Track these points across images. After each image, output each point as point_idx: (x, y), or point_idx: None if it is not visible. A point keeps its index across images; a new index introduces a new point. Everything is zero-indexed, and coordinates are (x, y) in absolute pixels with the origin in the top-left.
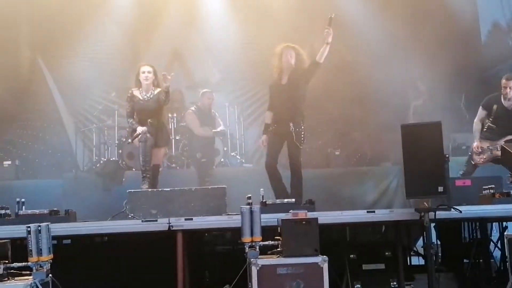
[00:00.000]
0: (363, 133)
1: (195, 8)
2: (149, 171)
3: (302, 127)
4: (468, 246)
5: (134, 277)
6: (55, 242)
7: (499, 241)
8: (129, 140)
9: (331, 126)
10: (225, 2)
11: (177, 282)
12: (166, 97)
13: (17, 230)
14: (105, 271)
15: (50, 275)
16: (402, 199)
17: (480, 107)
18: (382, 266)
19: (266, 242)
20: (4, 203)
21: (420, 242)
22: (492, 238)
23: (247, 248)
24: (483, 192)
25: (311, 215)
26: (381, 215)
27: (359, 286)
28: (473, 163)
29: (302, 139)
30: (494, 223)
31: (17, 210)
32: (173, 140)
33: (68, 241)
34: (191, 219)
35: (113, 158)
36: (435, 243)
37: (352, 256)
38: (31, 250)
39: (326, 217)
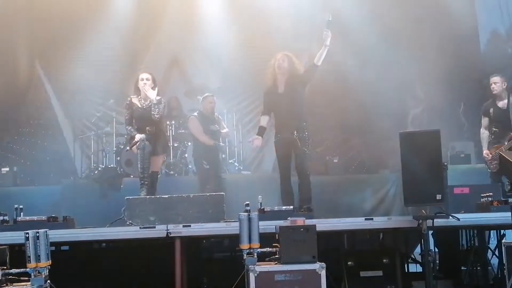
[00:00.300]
0: (361, 140)
1: (194, 15)
2: (148, 178)
3: (306, 133)
4: (465, 254)
5: (132, 283)
6: (53, 248)
7: (497, 249)
8: (127, 148)
9: (329, 134)
10: (224, 8)
11: None
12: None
13: (16, 237)
14: (103, 278)
15: (48, 281)
16: (400, 207)
17: (482, 115)
18: (380, 273)
19: (264, 249)
20: (2, 210)
21: (418, 250)
22: (489, 245)
23: (245, 255)
24: (481, 200)
25: (309, 222)
26: (379, 222)
27: None
28: (489, 171)
29: (308, 144)
30: (492, 231)
31: (15, 217)
32: (171, 147)
33: (66, 247)
34: (189, 226)
35: (111, 165)
36: (433, 250)
37: (350, 263)
38: (29, 257)
39: (324, 224)
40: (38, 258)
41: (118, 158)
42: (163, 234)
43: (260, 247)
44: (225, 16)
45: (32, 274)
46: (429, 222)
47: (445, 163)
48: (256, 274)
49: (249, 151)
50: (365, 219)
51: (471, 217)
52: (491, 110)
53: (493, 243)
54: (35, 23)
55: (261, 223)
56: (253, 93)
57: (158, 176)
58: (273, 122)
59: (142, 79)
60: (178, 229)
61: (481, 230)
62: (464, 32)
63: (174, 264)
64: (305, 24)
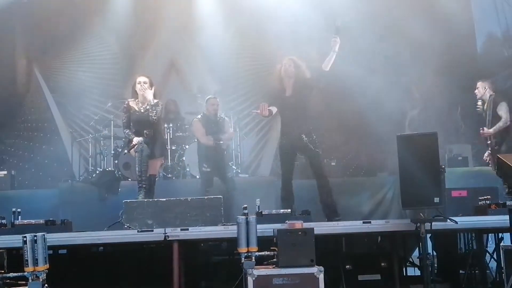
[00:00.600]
0: (359, 143)
1: (191, 18)
2: (145, 181)
3: (314, 136)
4: (464, 257)
5: (130, 287)
6: (51, 252)
7: (495, 252)
8: (125, 151)
9: (327, 137)
10: (221, 12)
11: None
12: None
13: (13, 240)
14: (100, 281)
15: (46, 285)
16: (398, 210)
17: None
18: (377, 276)
19: (262, 253)
20: (0, 213)
21: (416, 253)
22: (488, 249)
23: (243, 259)
24: (479, 203)
25: (307, 225)
26: (377, 225)
27: None
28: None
29: (318, 144)
30: (490, 234)
31: (13, 220)
32: (169, 150)
33: (64, 251)
34: (187, 229)
35: (109, 168)
36: (431, 253)
37: (348, 266)
38: (27, 260)
39: (322, 227)
40: (35, 262)
41: (116, 161)
42: (161, 237)
43: (258, 251)
44: (223, 20)
45: (30, 278)
46: (427, 225)
47: (443, 166)
48: (254, 278)
49: (247, 154)
50: (363, 222)
51: (469, 220)
52: (484, 114)
53: (491, 247)
54: (33, 27)
55: (259, 226)
56: (250, 96)
57: (156, 179)
58: (275, 126)
59: (140, 82)
60: (176, 233)
61: (479, 233)
62: (461, 34)
63: (172, 268)
64: (302, 27)
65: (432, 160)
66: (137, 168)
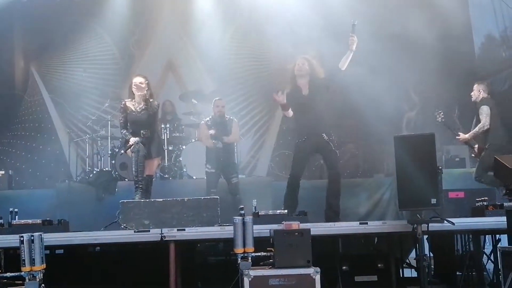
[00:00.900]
0: (356, 144)
1: (189, 19)
2: (142, 181)
3: (333, 136)
4: (461, 258)
5: (126, 287)
6: (48, 252)
7: (492, 254)
8: (122, 151)
9: None
10: (220, 12)
11: None
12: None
13: (10, 240)
14: (97, 281)
15: (43, 285)
16: (395, 211)
17: None
18: (374, 278)
19: (259, 253)
20: None
21: (412, 254)
22: (485, 250)
23: (239, 259)
24: (476, 204)
25: (303, 226)
26: (373, 226)
27: None
28: None
29: (336, 144)
30: (487, 236)
31: (10, 220)
32: (166, 151)
33: (61, 251)
34: (184, 229)
35: (106, 169)
36: (428, 255)
37: (344, 267)
38: (24, 260)
39: (318, 228)
40: (32, 262)
41: (113, 161)
42: (157, 238)
43: (255, 251)
44: (222, 20)
45: (27, 277)
46: (424, 227)
47: (440, 167)
48: (250, 279)
49: (244, 155)
50: (360, 223)
51: (466, 221)
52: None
53: (488, 248)
54: (31, 27)
55: (255, 227)
56: (248, 96)
57: (153, 179)
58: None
59: (136, 83)
60: (172, 233)
61: (476, 234)
62: (458, 35)
63: (169, 268)
64: (302, 27)
65: (429, 161)
66: (133, 168)
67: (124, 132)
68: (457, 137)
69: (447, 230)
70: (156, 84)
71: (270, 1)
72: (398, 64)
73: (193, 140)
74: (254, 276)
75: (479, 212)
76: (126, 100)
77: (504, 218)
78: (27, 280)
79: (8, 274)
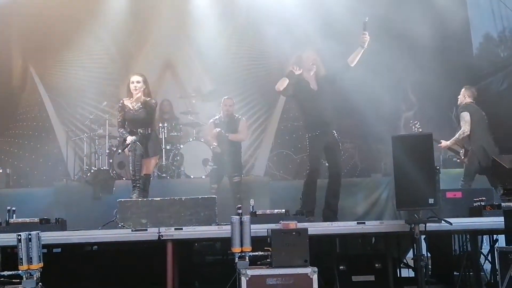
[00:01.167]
0: (354, 144)
1: (187, 18)
2: (139, 180)
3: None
4: (458, 259)
5: (123, 286)
6: (45, 250)
7: (490, 254)
8: (119, 151)
9: None
10: (218, 12)
11: None
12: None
13: (8, 238)
14: (95, 280)
15: (40, 283)
16: (393, 211)
17: None
18: (372, 277)
19: (256, 253)
20: None
21: (410, 254)
22: (482, 250)
23: (237, 259)
24: (474, 204)
25: (301, 226)
26: (371, 226)
27: None
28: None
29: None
30: (484, 236)
31: (7, 218)
32: (163, 150)
33: (59, 249)
34: (181, 228)
35: (104, 167)
36: (425, 255)
37: (341, 267)
38: (21, 258)
39: (316, 228)
40: (30, 260)
41: (111, 160)
42: (155, 237)
43: (252, 251)
44: (219, 20)
45: (24, 276)
46: (421, 227)
47: (438, 167)
48: (247, 278)
49: (242, 154)
50: (357, 223)
51: (463, 221)
52: None
53: (485, 248)
54: (28, 26)
55: (253, 226)
56: (247, 95)
57: (151, 178)
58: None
59: (133, 82)
60: (170, 232)
61: (474, 235)
62: (456, 35)
63: (166, 267)
64: (299, 27)
65: (427, 161)
66: (130, 167)
67: (121, 131)
68: (439, 144)
69: (445, 230)
70: (154, 83)
71: (268, 1)
72: (396, 64)
73: (191, 140)
74: (251, 275)
75: (477, 212)
76: (124, 98)
77: (501, 218)
78: (24, 279)
79: (6, 273)
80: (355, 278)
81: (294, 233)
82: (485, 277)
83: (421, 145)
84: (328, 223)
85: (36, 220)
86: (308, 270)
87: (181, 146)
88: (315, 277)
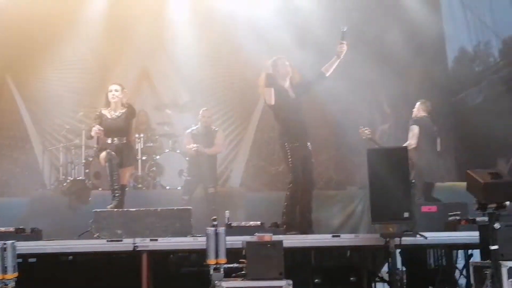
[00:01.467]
0: (329, 156)
1: (163, 29)
2: (119, 190)
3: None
4: (433, 273)
5: None
6: (20, 260)
7: (464, 269)
8: (95, 145)
9: None
10: (195, 21)
11: None
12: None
13: None
14: None
15: None
16: (368, 223)
17: None
18: None
19: (231, 265)
20: None
21: (385, 268)
22: (457, 265)
23: (212, 270)
24: (449, 218)
25: (276, 238)
26: (346, 239)
27: None
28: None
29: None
30: (459, 250)
31: None
32: (139, 160)
33: (34, 259)
34: (156, 239)
35: (80, 177)
36: (400, 269)
37: (316, 280)
38: None
39: (291, 240)
40: (5, 270)
41: (87, 170)
42: (130, 247)
43: (227, 263)
44: (195, 31)
45: None
46: (396, 240)
47: (413, 181)
48: None
49: (217, 165)
50: (332, 236)
51: (438, 235)
52: None
53: (460, 263)
54: (5, 36)
55: (228, 238)
56: (223, 106)
57: (126, 189)
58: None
59: (111, 91)
60: (145, 243)
61: (449, 249)
62: (432, 50)
63: (141, 278)
64: (274, 38)
65: (402, 174)
66: (109, 178)
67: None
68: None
69: (420, 244)
70: (131, 94)
71: (245, 12)
72: (371, 76)
73: (167, 150)
74: (226, 287)
75: (452, 226)
76: (102, 108)
77: (476, 233)
78: None
79: None
80: None
81: (269, 245)
82: None
83: (397, 158)
84: (303, 235)
85: (12, 229)
86: (283, 283)
87: (157, 157)
88: None
